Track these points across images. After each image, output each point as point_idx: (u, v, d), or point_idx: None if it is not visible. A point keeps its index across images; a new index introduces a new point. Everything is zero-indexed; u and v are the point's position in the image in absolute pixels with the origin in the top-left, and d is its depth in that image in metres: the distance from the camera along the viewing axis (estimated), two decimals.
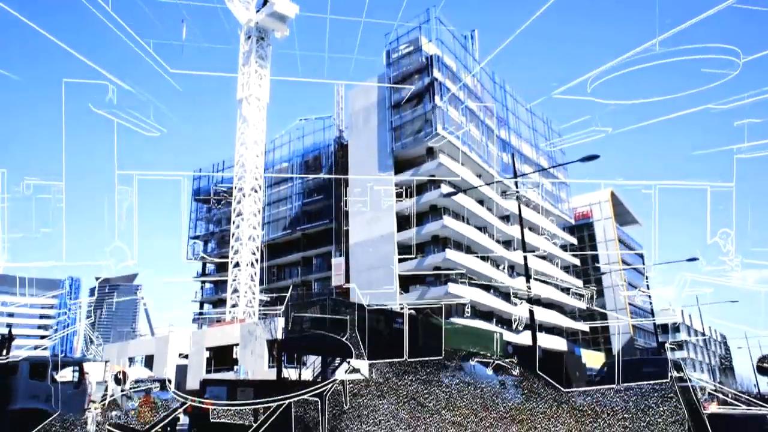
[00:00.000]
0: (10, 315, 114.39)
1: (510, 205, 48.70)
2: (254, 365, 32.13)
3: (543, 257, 52.14)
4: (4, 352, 16.26)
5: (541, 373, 10.47)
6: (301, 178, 55.84)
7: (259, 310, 43.60)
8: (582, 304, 58.29)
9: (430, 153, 43.95)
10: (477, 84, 49.17)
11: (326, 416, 9.29)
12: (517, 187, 30.96)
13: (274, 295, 47.12)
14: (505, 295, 48.05)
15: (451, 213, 44.17)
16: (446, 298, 38.72)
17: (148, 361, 42.03)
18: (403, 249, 43.44)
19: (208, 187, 64.37)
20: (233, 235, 45.23)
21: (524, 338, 42.98)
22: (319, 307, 13.81)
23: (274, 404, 8.78)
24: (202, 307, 66.76)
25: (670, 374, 10.21)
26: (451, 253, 41.79)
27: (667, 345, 67.20)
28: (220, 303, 56.49)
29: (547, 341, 47.60)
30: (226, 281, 45.65)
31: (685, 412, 9.44)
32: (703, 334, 79.98)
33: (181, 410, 9.93)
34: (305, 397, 9.28)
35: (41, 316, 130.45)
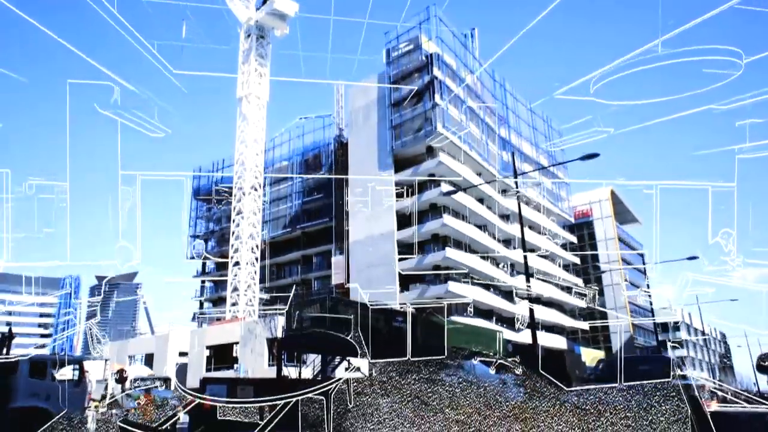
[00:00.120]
0: (9, 314, 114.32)
1: (510, 204, 48.67)
2: (254, 363, 32.15)
3: (543, 256, 52.13)
4: (5, 351, 16.23)
5: (543, 372, 10.46)
6: (301, 177, 55.83)
7: (260, 309, 43.60)
8: (582, 303, 58.34)
9: (430, 151, 43.88)
10: (477, 82, 49.10)
11: (331, 414, 9.29)
12: (517, 186, 31.02)
13: (275, 293, 47.14)
14: (506, 294, 48.05)
15: (451, 211, 44.14)
16: (446, 296, 38.74)
17: (148, 360, 42.06)
18: (403, 247, 43.42)
19: (208, 186, 64.37)
20: (233, 233, 45.24)
21: (524, 337, 42.98)
22: (319, 306, 13.78)
23: (281, 402, 8.78)
24: (202, 305, 66.79)
25: (672, 372, 10.19)
26: (451, 252, 41.77)
27: (668, 343, 67.31)
28: (220, 301, 56.52)
29: (547, 339, 47.63)
30: (226, 280, 45.67)
31: (688, 410, 9.42)
32: (703, 333, 80.00)
33: (183, 410, 9.91)
34: (311, 395, 9.28)
35: (42, 315, 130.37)
